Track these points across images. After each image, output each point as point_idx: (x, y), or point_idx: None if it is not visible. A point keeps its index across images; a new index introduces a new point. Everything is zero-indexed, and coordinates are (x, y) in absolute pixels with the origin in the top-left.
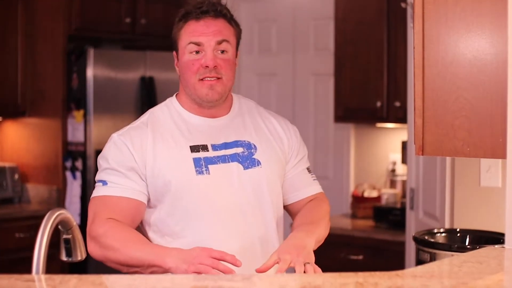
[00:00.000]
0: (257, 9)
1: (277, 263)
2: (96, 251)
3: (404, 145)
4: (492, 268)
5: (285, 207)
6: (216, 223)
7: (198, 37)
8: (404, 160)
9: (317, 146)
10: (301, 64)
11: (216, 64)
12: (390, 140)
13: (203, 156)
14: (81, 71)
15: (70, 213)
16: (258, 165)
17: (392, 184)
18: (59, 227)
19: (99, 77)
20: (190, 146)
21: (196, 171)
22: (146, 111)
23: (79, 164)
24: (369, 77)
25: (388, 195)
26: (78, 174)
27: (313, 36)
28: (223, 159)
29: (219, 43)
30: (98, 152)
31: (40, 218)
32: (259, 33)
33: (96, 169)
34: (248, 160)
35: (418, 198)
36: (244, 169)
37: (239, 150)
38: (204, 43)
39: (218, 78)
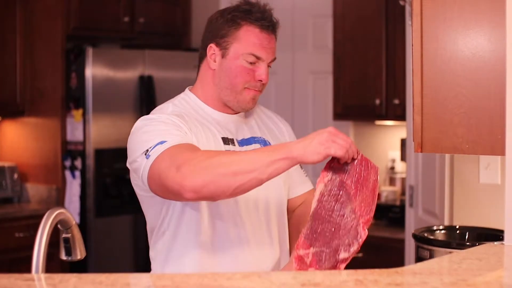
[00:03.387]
0: None
1: None
2: (194, 178)
3: (403, 142)
4: (491, 264)
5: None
6: (243, 216)
7: (260, 51)
8: (403, 158)
9: None
10: (300, 62)
11: (267, 80)
12: (389, 137)
13: (232, 149)
14: (80, 70)
15: (70, 212)
16: None
17: (392, 181)
18: (59, 226)
19: (98, 76)
20: (222, 138)
21: None
22: (160, 106)
23: (78, 163)
24: (368, 75)
25: (387, 192)
26: (77, 173)
27: (312, 34)
28: None
29: (272, 61)
30: (97, 151)
31: (40, 217)
32: None
33: (97, 168)
34: None
35: (418, 195)
36: None
37: (257, 146)
38: (264, 59)
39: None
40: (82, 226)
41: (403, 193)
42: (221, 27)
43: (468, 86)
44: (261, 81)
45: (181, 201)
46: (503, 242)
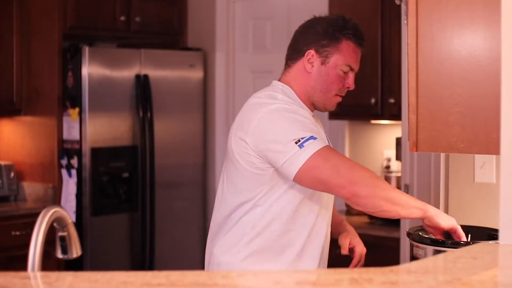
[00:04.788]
0: (252, 6)
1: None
2: (366, 187)
3: (399, 141)
4: (486, 263)
5: None
6: (323, 209)
7: (355, 64)
8: (398, 157)
9: None
10: None
11: (354, 87)
12: (385, 136)
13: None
14: (76, 69)
15: (66, 210)
16: None
17: (387, 180)
18: (55, 224)
19: (94, 75)
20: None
21: None
22: (266, 92)
23: (74, 162)
24: (364, 74)
25: None
26: (74, 172)
27: None
28: None
29: (357, 71)
30: (93, 149)
31: (36, 216)
32: (254, 30)
33: (93, 167)
34: None
35: (413, 194)
36: None
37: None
38: (355, 69)
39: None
40: (78, 224)
41: None
42: (322, 37)
43: (463, 86)
44: (348, 88)
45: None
46: (498, 241)
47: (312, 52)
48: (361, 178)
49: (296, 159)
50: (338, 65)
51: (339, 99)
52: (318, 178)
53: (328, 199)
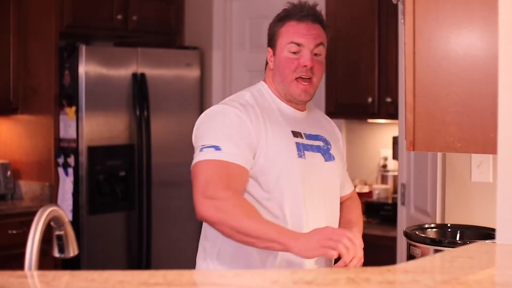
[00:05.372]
0: (249, 5)
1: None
2: (211, 212)
3: (395, 140)
4: (483, 263)
5: None
6: (303, 206)
7: (300, 38)
8: (395, 156)
9: None
10: None
11: (313, 64)
12: (381, 135)
13: (301, 142)
14: (73, 68)
15: (63, 209)
16: (333, 159)
17: (384, 179)
18: (52, 223)
19: (91, 73)
20: (292, 131)
21: (298, 154)
22: (239, 93)
23: (71, 160)
24: (360, 73)
25: (379, 190)
26: (70, 171)
27: None
28: (312, 148)
29: (317, 46)
30: (90, 148)
31: (33, 214)
32: (251, 29)
33: (90, 165)
34: (327, 154)
35: (409, 193)
36: (325, 160)
37: (320, 143)
38: (304, 45)
39: (310, 79)
40: (75, 223)
41: (395, 191)
42: (271, 30)
43: (461, 85)
44: (305, 66)
45: None
46: (495, 241)
47: (269, 49)
48: (216, 204)
49: (193, 161)
50: (283, 47)
51: (302, 85)
52: (192, 183)
53: (311, 197)
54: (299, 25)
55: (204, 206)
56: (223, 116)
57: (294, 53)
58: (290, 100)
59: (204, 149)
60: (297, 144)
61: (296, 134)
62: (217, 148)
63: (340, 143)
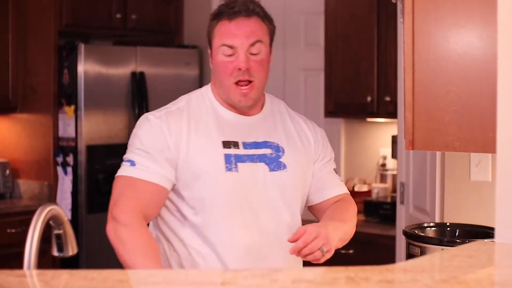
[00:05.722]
0: None
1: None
2: (111, 233)
3: (395, 139)
4: (482, 262)
5: (311, 208)
6: (233, 220)
7: (231, 40)
8: (394, 155)
9: None
10: (292, 59)
11: (249, 66)
12: (381, 134)
13: (233, 153)
14: (72, 67)
15: (62, 208)
16: (283, 168)
17: (383, 178)
18: (51, 222)
19: (90, 72)
20: (223, 141)
21: (226, 167)
22: (181, 97)
23: (70, 159)
24: (360, 72)
25: (378, 189)
26: (69, 170)
27: (304, 31)
28: (252, 159)
29: (252, 44)
30: (89, 147)
31: (32, 213)
32: None
33: (89, 164)
34: (274, 162)
35: (409, 192)
36: (269, 171)
37: (267, 151)
38: (237, 46)
39: (250, 82)
40: (74, 222)
41: (394, 190)
42: (208, 33)
43: (460, 84)
44: (240, 69)
45: None
46: (494, 240)
47: (209, 50)
48: (116, 227)
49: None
50: (217, 50)
51: (241, 91)
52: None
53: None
54: (230, 24)
55: (108, 225)
56: (142, 128)
57: (230, 55)
58: (231, 104)
59: (123, 163)
60: (227, 156)
61: (228, 144)
62: (132, 163)
63: (311, 147)
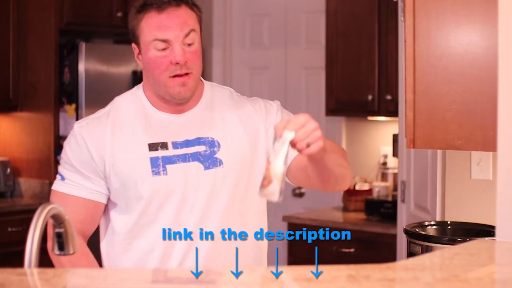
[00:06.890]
0: (249, 3)
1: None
2: (51, 254)
3: (395, 138)
4: (483, 260)
5: (290, 176)
6: (165, 225)
7: (164, 33)
8: (395, 153)
9: None
10: (293, 57)
11: (186, 59)
12: (381, 133)
13: (161, 155)
14: (73, 65)
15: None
16: (219, 165)
17: (384, 177)
18: (51, 221)
19: (91, 71)
20: (149, 144)
21: (153, 171)
22: (115, 98)
23: None
24: (361, 71)
25: (379, 188)
26: None
27: (305, 29)
28: (184, 158)
29: (186, 35)
30: None
31: (32, 212)
32: (251, 27)
33: None
34: (209, 159)
35: (409, 191)
36: (204, 169)
37: (201, 148)
38: (171, 39)
39: (188, 73)
40: None
41: (395, 188)
42: (132, 26)
43: (460, 83)
44: (178, 63)
45: None
46: (495, 238)
47: (133, 46)
48: (48, 243)
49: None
50: (148, 45)
51: (180, 80)
52: None
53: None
54: (160, 16)
55: (48, 244)
56: (68, 141)
57: (163, 49)
58: (169, 101)
59: (57, 175)
60: (153, 159)
61: (155, 146)
62: (62, 178)
63: (259, 128)
